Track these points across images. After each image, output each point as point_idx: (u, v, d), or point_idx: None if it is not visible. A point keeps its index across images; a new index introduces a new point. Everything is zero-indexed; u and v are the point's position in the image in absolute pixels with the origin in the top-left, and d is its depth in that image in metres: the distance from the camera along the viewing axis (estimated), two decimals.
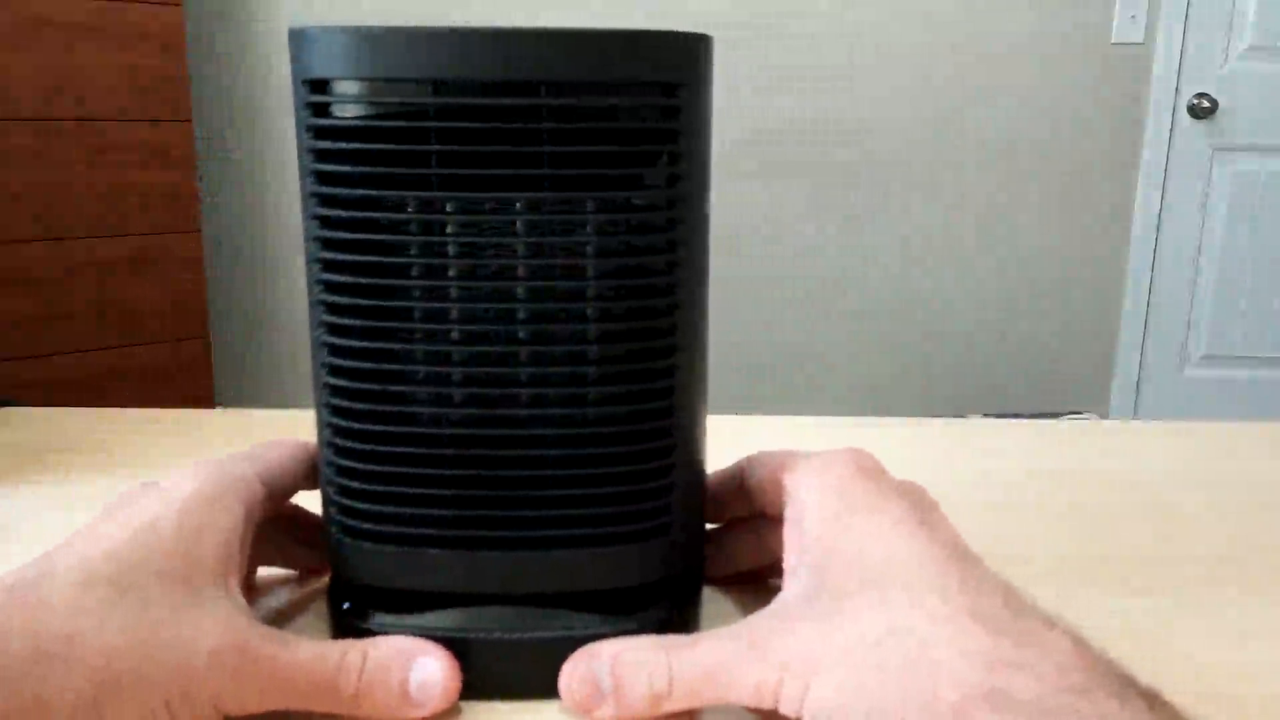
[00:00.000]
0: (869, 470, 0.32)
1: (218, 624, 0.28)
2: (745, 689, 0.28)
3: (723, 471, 0.37)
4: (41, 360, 2.01)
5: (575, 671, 0.30)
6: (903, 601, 0.27)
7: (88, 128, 2.00)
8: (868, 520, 0.30)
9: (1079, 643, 0.26)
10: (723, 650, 0.29)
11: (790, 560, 0.31)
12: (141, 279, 2.11)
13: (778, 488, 0.33)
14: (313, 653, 0.29)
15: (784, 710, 0.28)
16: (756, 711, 0.29)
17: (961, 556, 0.29)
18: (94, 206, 2.03)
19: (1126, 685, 0.25)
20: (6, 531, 0.44)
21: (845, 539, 0.30)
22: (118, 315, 2.09)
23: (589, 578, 0.32)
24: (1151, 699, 0.24)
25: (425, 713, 0.30)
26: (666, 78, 0.30)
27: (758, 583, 0.38)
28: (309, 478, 0.35)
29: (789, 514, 0.32)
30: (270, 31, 2.47)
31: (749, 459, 0.36)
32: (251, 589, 0.38)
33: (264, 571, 0.39)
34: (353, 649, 0.30)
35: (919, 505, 0.31)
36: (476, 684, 0.32)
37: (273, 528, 0.35)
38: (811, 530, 0.30)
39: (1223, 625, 0.37)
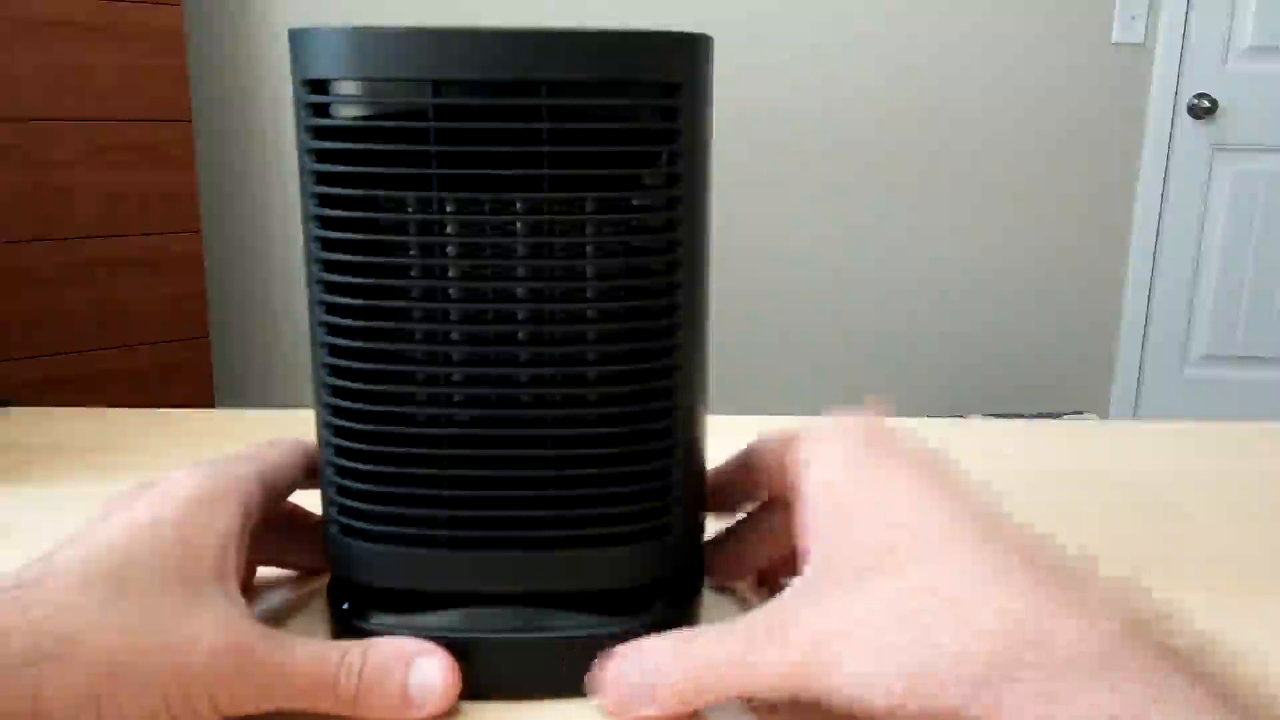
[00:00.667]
0: (877, 437, 0.31)
1: (216, 624, 0.28)
2: (772, 675, 0.27)
3: (729, 459, 0.36)
4: (41, 360, 2.01)
5: (609, 673, 0.30)
6: (928, 564, 0.27)
7: (88, 128, 2.00)
8: (882, 491, 0.29)
9: (1114, 594, 0.25)
10: (748, 638, 0.28)
11: (806, 543, 0.30)
12: (141, 279, 2.11)
13: (783, 470, 0.33)
14: (312, 653, 0.29)
15: (815, 690, 0.27)
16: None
17: (983, 514, 0.28)
18: (94, 206, 2.03)
19: (1167, 636, 0.24)
20: (6, 531, 0.44)
21: (860, 514, 0.29)
22: (118, 315, 2.09)
23: (589, 578, 0.32)
24: (1193, 652, 0.24)
25: (425, 714, 0.30)
26: (666, 78, 0.30)
27: (768, 582, 0.38)
28: (309, 477, 0.35)
29: (798, 496, 0.31)
30: (270, 31, 2.47)
31: (754, 443, 0.36)
32: (250, 589, 0.38)
33: (264, 571, 0.39)
34: (352, 650, 0.30)
35: (933, 468, 0.30)
36: (476, 684, 0.32)
37: (272, 527, 0.35)
38: (824, 510, 0.30)
39: (1222, 625, 0.37)
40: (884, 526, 0.28)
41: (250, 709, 0.29)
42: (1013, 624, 0.24)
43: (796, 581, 0.30)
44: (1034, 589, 0.25)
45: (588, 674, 0.30)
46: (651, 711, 0.29)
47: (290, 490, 0.35)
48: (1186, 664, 0.23)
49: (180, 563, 0.29)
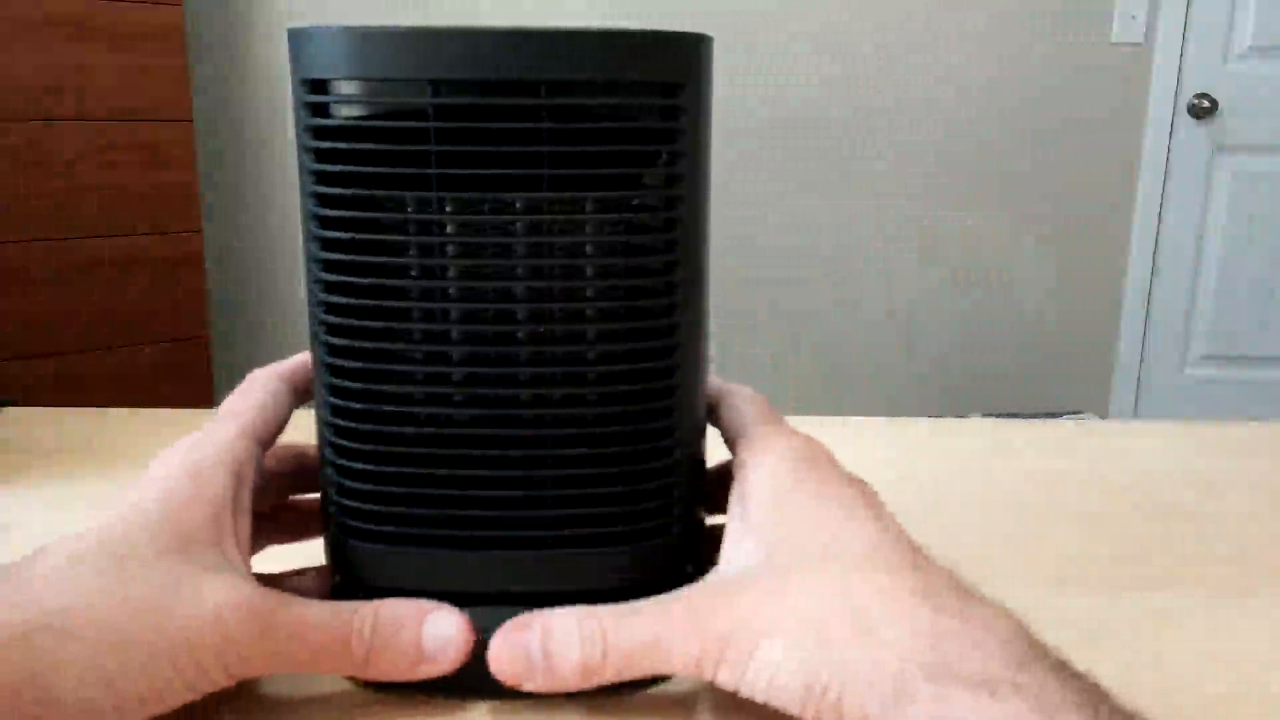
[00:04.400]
0: (821, 459, 0.32)
1: (219, 588, 0.28)
2: (685, 660, 0.28)
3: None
4: (41, 360, 2.01)
5: (504, 643, 0.29)
6: (851, 578, 0.28)
7: (88, 128, 2.00)
8: (819, 504, 0.30)
9: (1021, 626, 0.27)
10: (663, 622, 0.29)
11: (733, 531, 0.32)
12: (141, 279, 2.11)
13: (732, 451, 0.34)
14: (322, 611, 0.29)
15: (721, 681, 0.28)
16: None
17: (909, 544, 0.30)
18: (94, 206, 2.03)
19: (1064, 666, 0.26)
20: (6, 531, 0.44)
21: (794, 520, 0.30)
22: (118, 315, 2.09)
23: (588, 577, 0.32)
24: (1090, 683, 0.25)
25: (439, 669, 0.30)
26: (667, 78, 0.30)
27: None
28: (297, 394, 0.35)
29: (735, 487, 0.33)
30: (270, 31, 2.47)
31: (726, 395, 0.36)
32: (257, 544, 0.37)
33: (261, 567, 0.38)
34: (362, 607, 0.30)
35: (868, 496, 0.31)
36: (476, 684, 0.32)
37: (283, 472, 0.35)
38: (759, 509, 0.31)
39: (1222, 625, 0.37)
40: (814, 534, 0.30)
41: (261, 669, 0.28)
42: (923, 643, 0.26)
43: (724, 569, 0.31)
44: (946, 613, 0.27)
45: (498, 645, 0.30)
46: (542, 684, 0.29)
47: (281, 425, 0.35)
48: (1065, 676, 0.25)
49: (173, 537, 0.29)
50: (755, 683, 0.27)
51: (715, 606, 0.29)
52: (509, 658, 0.29)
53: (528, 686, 0.29)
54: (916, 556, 0.29)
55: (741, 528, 0.31)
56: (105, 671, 0.26)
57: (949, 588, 0.28)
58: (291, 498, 0.37)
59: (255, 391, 0.35)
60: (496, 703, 0.32)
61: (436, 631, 0.30)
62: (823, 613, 0.27)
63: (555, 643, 0.29)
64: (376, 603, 0.30)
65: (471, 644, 0.30)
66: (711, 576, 0.31)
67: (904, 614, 0.27)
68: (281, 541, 0.37)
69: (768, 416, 0.35)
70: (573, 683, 0.29)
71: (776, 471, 0.32)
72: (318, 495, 0.34)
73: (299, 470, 0.36)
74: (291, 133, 0.31)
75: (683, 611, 0.29)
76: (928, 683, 0.25)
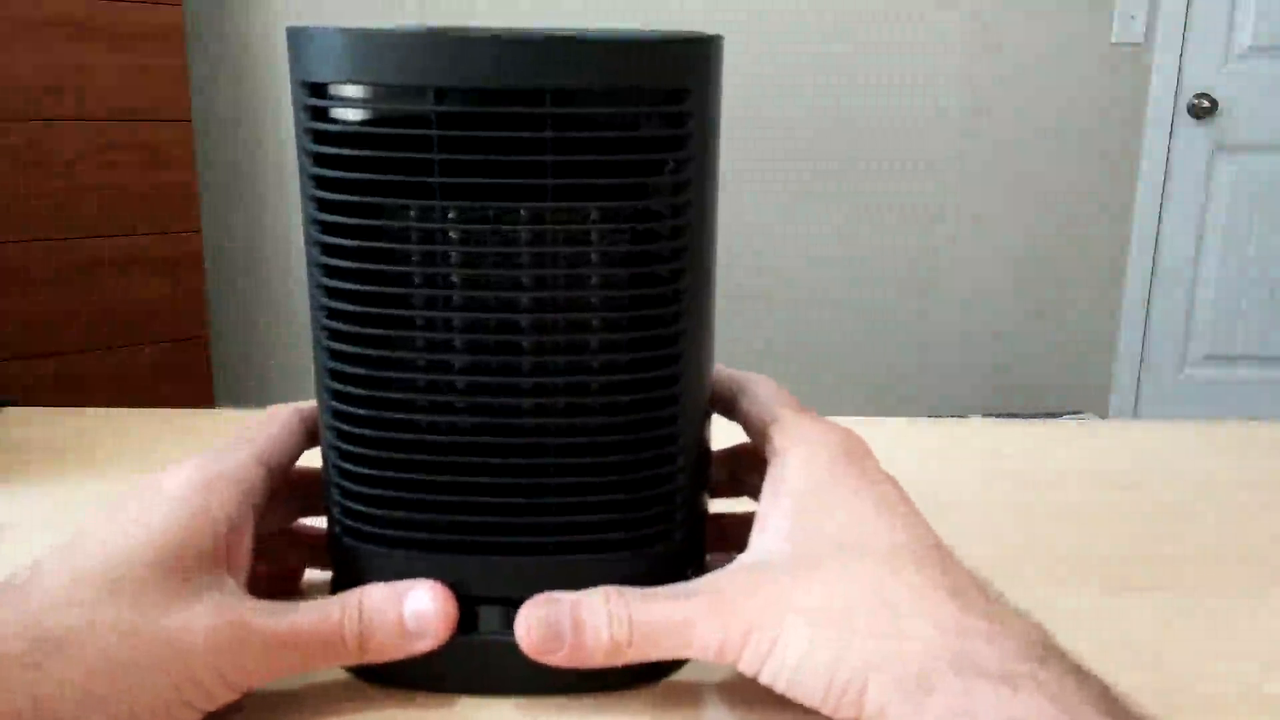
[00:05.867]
0: (859, 453, 0.33)
1: (211, 606, 0.28)
2: (708, 645, 0.29)
3: (720, 382, 0.36)
4: (41, 360, 2.01)
5: (534, 614, 0.30)
6: (882, 571, 0.28)
7: (88, 128, 2.00)
8: (855, 498, 0.31)
9: (1041, 628, 0.27)
10: (689, 605, 0.29)
11: (763, 517, 0.32)
12: (141, 279, 2.10)
13: (764, 438, 0.34)
14: (310, 612, 0.30)
15: (743, 668, 0.28)
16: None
17: (937, 543, 0.30)
18: (94, 206, 2.03)
19: (1080, 669, 0.26)
20: (6, 532, 0.44)
21: (829, 511, 0.30)
22: (118, 315, 2.09)
23: (590, 582, 0.32)
24: (1105, 686, 0.26)
25: (426, 643, 0.30)
26: (673, 84, 0.30)
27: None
28: (310, 436, 0.35)
29: (771, 472, 0.32)
30: (269, 31, 2.47)
31: (746, 385, 0.36)
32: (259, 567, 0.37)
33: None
34: (346, 598, 0.30)
35: (900, 493, 0.32)
36: (478, 684, 0.32)
37: (294, 494, 0.35)
38: (795, 499, 0.31)
39: (1222, 625, 0.37)
40: (847, 526, 0.30)
41: (259, 680, 0.29)
42: (941, 639, 0.26)
43: (744, 557, 0.31)
44: (972, 611, 0.27)
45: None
46: (567, 658, 0.29)
47: (292, 460, 0.35)
48: (1083, 677, 0.26)
49: (173, 554, 0.29)
50: (778, 670, 0.28)
51: (741, 591, 0.29)
52: (538, 629, 0.30)
53: (552, 660, 0.29)
54: (943, 555, 0.29)
55: (773, 515, 0.31)
56: (104, 694, 0.26)
57: (974, 587, 0.28)
58: (297, 523, 0.37)
59: (271, 424, 0.35)
60: (523, 699, 0.32)
61: (416, 608, 0.30)
62: (853, 604, 0.27)
63: (584, 619, 0.29)
64: (358, 591, 0.30)
65: (454, 614, 0.31)
66: (737, 563, 0.31)
67: (932, 609, 0.27)
68: (282, 569, 0.37)
69: (795, 403, 0.35)
70: (597, 659, 0.29)
71: (815, 462, 0.32)
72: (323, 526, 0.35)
73: (310, 494, 0.36)
74: (292, 133, 0.30)
75: (708, 595, 0.29)
76: (952, 675, 0.25)
